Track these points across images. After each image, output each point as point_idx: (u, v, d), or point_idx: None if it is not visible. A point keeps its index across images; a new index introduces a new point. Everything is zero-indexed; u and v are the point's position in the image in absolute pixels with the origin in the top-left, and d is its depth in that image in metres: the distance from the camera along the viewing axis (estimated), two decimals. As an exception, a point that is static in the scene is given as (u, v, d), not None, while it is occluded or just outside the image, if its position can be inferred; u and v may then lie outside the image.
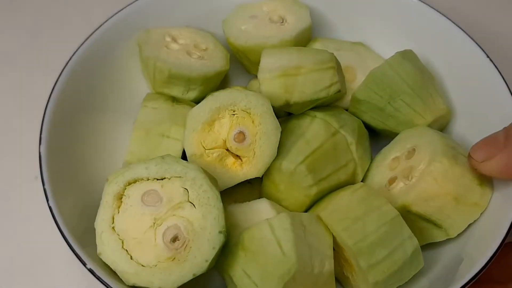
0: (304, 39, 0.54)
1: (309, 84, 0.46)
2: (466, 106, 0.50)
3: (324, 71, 0.46)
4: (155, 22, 0.53)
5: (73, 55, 0.49)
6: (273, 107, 0.44)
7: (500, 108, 0.47)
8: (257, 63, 0.51)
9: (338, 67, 0.48)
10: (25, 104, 0.60)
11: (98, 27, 0.51)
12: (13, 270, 0.50)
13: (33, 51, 0.65)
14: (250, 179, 0.45)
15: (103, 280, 0.37)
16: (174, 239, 0.39)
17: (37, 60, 0.64)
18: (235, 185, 0.45)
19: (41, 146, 0.44)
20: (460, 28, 0.51)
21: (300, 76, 0.46)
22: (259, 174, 0.45)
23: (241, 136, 0.44)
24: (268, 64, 0.47)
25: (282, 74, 0.46)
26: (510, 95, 0.46)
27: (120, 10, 0.52)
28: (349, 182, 0.47)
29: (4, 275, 0.49)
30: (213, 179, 0.41)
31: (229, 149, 0.45)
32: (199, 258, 0.38)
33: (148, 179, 0.40)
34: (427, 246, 0.45)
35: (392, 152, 0.48)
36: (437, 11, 0.52)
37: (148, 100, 0.49)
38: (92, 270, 0.38)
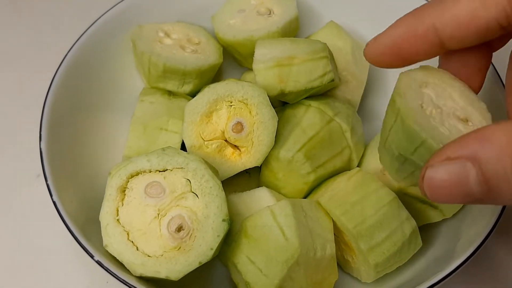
0: (291, 30, 0.54)
1: (303, 74, 0.47)
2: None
3: (318, 60, 0.47)
4: (147, 18, 0.54)
5: (68, 52, 0.49)
6: (268, 97, 0.45)
7: (488, 89, 0.48)
8: (248, 56, 0.52)
9: (330, 57, 0.49)
10: (26, 103, 0.60)
11: (92, 23, 0.51)
12: (15, 268, 0.50)
13: (34, 49, 0.65)
14: (248, 169, 0.46)
15: (111, 272, 0.38)
16: (179, 228, 0.39)
17: (38, 58, 0.64)
18: (233, 176, 0.46)
19: (41, 142, 0.44)
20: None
21: (294, 66, 0.47)
22: (257, 163, 0.45)
23: (239, 127, 0.45)
24: (262, 55, 0.47)
25: (276, 64, 0.47)
26: (497, 77, 0.47)
27: (112, 7, 0.52)
28: (345, 168, 0.48)
29: (6, 274, 0.49)
30: (214, 169, 0.42)
31: (227, 139, 0.46)
32: (204, 247, 0.39)
33: (150, 171, 0.41)
34: (424, 227, 0.46)
35: (385, 138, 0.49)
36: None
37: (145, 95, 0.50)
38: (100, 262, 0.38)
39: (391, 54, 0.37)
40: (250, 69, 0.52)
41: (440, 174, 0.30)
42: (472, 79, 0.38)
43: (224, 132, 0.45)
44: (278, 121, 0.45)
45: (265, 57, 0.47)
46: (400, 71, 0.38)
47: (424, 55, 0.37)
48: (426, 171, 0.31)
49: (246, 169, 0.46)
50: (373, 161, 0.48)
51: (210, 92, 0.45)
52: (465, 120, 0.35)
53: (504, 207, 0.41)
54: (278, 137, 0.46)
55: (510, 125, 0.29)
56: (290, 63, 0.47)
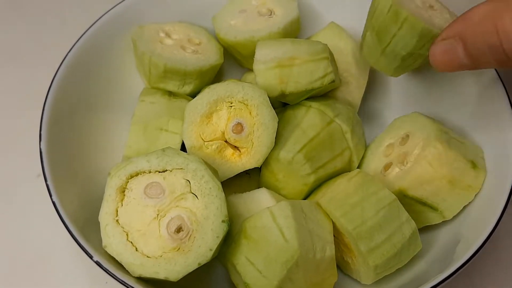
0: (292, 31, 0.54)
1: (304, 75, 0.47)
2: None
3: (318, 61, 0.47)
4: (148, 18, 0.54)
5: (69, 52, 0.49)
6: (269, 98, 0.45)
7: (488, 89, 0.48)
8: (249, 57, 0.52)
9: (331, 58, 0.49)
10: (27, 102, 0.60)
11: (94, 23, 0.51)
12: (14, 268, 0.50)
13: (35, 49, 0.65)
14: (248, 170, 0.46)
15: (110, 272, 0.38)
16: (178, 229, 0.39)
17: (40, 58, 0.64)
18: (233, 177, 0.46)
19: (41, 142, 0.44)
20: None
21: (295, 67, 0.47)
22: (257, 164, 0.45)
23: (239, 127, 0.45)
24: (263, 55, 0.47)
25: (277, 65, 0.47)
26: (497, 76, 0.47)
27: (113, 7, 0.52)
28: (345, 169, 0.48)
29: (5, 274, 0.49)
30: (214, 170, 0.42)
31: (227, 140, 0.46)
32: (203, 248, 0.39)
33: (150, 172, 0.41)
34: (424, 229, 0.46)
35: (386, 139, 0.49)
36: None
37: (145, 95, 0.50)
38: (99, 262, 0.38)
39: None
40: (251, 70, 0.52)
41: (438, 49, 0.39)
42: None
43: (224, 133, 0.45)
44: (279, 122, 0.45)
45: (266, 57, 0.47)
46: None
47: None
48: (430, 48, 0.40)
49: (246, 170, 0.46)
50: (373, 162, 0.48)
51: (211, 92, 0.45)
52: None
53: (504, 210, 0.41)
54: (278, 138, 0.46)
55: (485, 5, 0.36)
56: (291, 64, 0.47)
